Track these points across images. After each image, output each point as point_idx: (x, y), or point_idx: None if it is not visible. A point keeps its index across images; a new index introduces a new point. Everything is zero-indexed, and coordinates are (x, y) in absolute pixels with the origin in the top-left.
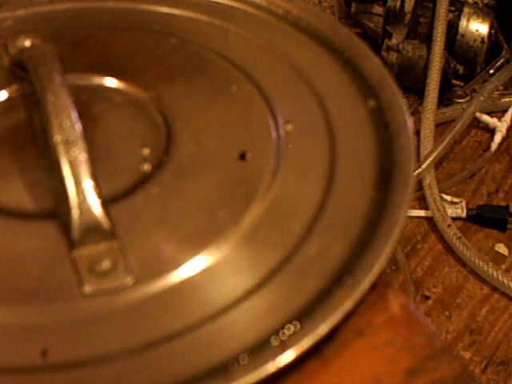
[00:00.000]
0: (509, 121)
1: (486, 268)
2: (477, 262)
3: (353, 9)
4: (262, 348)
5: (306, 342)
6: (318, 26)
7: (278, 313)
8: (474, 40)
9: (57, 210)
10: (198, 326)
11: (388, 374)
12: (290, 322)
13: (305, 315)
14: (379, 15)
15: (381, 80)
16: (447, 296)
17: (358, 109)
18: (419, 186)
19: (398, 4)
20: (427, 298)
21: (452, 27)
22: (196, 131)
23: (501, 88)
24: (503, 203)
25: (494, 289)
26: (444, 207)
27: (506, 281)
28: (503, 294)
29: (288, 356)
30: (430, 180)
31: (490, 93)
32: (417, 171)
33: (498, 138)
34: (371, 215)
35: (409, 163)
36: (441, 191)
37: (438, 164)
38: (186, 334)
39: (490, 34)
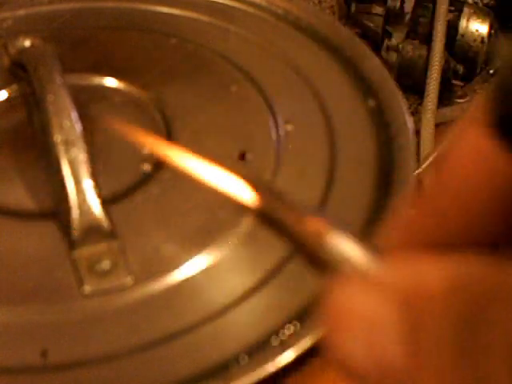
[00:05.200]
0: None
1: None
2: None
3: (353, 9)
4: (261, 348)
5: (306, 342)
6: (318, 26)
7: (278, 313)
8: (474, 40)
9: (57, 209)
10: (198, 326)
11: None
12: (290, 322)
13: (305, 315)
14: (379, 15)
15: (381, 80)
16: None
17: (358, 109)
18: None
19: (398, 4)
20: None
21: (452, 27)
22: (196, 131)
23: None
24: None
25: None
26: None
27: None
28: None
29: (288, 356)
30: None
31: None
32: (417, 171)
33: None
34: (371, 215)
35: (409, 163)
36: None
37: None
38: (186, 333)
39: (489, 33)
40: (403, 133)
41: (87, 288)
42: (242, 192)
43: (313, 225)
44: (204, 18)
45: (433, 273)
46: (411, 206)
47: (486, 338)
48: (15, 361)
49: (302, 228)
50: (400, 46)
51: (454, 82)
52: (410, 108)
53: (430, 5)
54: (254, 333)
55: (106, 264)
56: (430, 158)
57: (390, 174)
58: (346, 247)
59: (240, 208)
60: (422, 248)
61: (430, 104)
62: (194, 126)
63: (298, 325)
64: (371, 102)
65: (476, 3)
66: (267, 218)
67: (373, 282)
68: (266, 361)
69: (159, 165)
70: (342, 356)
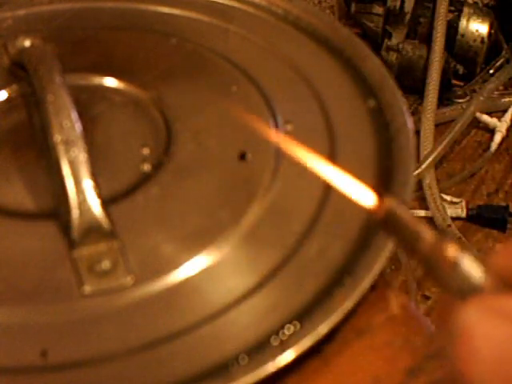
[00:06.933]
0: (509, 121)
1: None
2: None
3: (353, 9)
4: (262, 348)
5: (306, 342)
6: (318, 26)
7: (278, 313)
8: (474, 40)
9: (57, 209)
10: (198, 326)
11: (388, 374)
12: (290, 322)
13: (305, 315)
14: (379, 15)
15: (381, 80)
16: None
17: (358, 109)
18: (419, 185)
19: (398, 4)
20: (427, 298)
21: (452, 27)
22: (196, 131)
23: (501, 88)
24: (503, 203)
25: None
26: (444, 207)
27: None
28: None
29: (288, 356)
30: (429, 180)
31: (489, 93)
32: (417, 171)
33: (497, 138)
34: (371, 215)
35: (409, 163)
36: (441, 191)
37: (438, 164)
38: (186, 333)
39: (489, 33)
40: (403, 133)
41: (87, 288)
42: (369, 198)
43: (445, 247)
44: (204, 18)
45: None
46: None
47: None
48: (15, 361)
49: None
50: (400, 45)
51: (454, 81)
52: (409, 108)
53: (430, 5)
54: (254, 333)
55: (105, 264)
56: (430, 158)
57: (390, 174)
58: (476, 272)
59: (240, 208)
60: None
61: (429, 104)
62: (194, 126)
63: (298, 325)
64: (371, 102)
65: (476, 3)
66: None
67: (504, 311)
68: (265, 361)
69: (159, 165)
70: (469, 378)
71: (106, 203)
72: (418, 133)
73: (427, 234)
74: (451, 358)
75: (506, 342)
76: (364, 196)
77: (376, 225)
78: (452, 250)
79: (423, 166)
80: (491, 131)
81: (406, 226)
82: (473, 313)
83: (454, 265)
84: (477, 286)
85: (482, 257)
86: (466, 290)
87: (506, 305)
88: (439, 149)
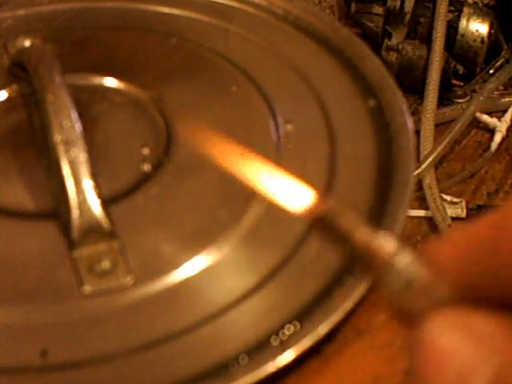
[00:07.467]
0: (509, 121)
1: None
2: None
3: (353, 8)
4: (262, 348)
5: (306, 342)
6: (318, 26)
7: (278, 313)
8: (474, 40)
9: (57, 209)
10: (198, 326)
11: (388, 374)
12: (290, 322)
13: (305, 315)
14: (379, 15)
15: (381, 80)
16: None
17: (358, 109)
18: (419, 185)
19: (398, 4)
20: None
21: (452, 27)
22: (196, 131)
23: (501, 88)
24: (503, 203)
25: None
26: (444, 207)
27: None
28: None
29: (288, 356)
30: (429, 180)
31: (489, 93)
32: (417, 171)
33: (497, 138)
34: (371, 215)
35: (409, 163)
36: (441, 191)
37: (438, 164)
38: (186, 333)
39: (489, 33)
40: (403, 133)
41: (87, 288)
42: (304, 197)
43: (379, 243)
44: (204, 18)
45: None
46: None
47: None
48: (15, 361)
49: (365, 243)
50: (400, 46)
51: (454, 81)
52: (409, 108)
53: (430, 5)
54: (254, 333)
55: (105, 264)
56: (430, 158)
57: (390, 174)
58: (413, 269)
59: (240, 208)
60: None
61: (429, 104)
62: (194, 126)
63: (298, 325)
64: (371, 102)
65: (476, 3)
66: (326, 227)
67: (466, 327)
68: (266, 361)
69: (159, 165)
70: None
71: (106, 203)
72: (418, 133)
73: (360, 232)
74: (415, 372)
75: (471, 359)
76: (297, 197)
77: (311, 227)
78: (387, 247)
79: (423, 166)
80: (491, 131)
81: (339, 225)
82: (437, 326)
83: (389, 262)
84: (413, 282)
85: (421, 251)
86: (402, 289)
87: (471, 322)
88: (439, 149)
